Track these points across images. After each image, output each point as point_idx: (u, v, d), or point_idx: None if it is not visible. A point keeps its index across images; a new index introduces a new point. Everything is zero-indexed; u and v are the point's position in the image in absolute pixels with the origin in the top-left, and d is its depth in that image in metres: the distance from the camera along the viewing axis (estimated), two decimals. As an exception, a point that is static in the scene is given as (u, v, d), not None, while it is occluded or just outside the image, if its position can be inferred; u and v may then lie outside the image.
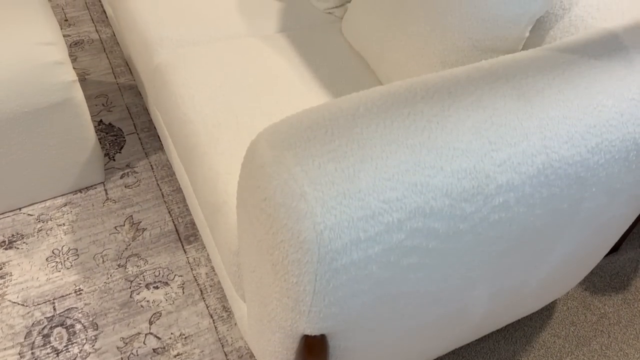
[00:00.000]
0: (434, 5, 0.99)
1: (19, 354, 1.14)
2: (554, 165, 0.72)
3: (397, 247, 0.65)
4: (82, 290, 1.25)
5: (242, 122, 1.08)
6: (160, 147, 1.61)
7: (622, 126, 0.76)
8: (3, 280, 1.26)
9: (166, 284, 1.28)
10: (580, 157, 0.74)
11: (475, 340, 1.22)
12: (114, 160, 1.56)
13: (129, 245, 1.35)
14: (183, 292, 1.26)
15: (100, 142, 1.60)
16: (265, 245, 0.66)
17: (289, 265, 0.63)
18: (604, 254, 1.11)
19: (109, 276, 1.28)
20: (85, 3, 2.17)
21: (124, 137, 1.62)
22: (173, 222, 1.41)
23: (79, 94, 1.28)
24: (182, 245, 1.36)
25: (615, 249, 1.41)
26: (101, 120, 1.68)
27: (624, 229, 1.01)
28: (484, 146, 0.68)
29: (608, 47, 0.82)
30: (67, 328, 1.19)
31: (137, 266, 1.30)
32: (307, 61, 1.26)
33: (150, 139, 1.63)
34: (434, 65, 1.03)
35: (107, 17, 2.12)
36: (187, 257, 1.33)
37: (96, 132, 1.63)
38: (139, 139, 1.63)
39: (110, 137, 1.62)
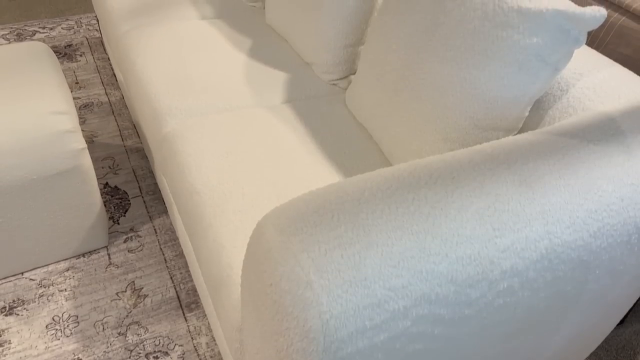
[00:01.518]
0: (435, 85, 1.03)
1: None
2: (557, 250, 0.73)
3: (402, 334, 0.65)
4: None
5: (248, 193, 1.09)
6: (164, 211, 1.62)
7: (622, 211, 0.77)
8: (2, 348, 1.24)
9: (166, 353, 1.26)
10: (582, 241, 0.75)
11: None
12: (118, 224, 1.57)
13: (130, 312, 1.34)
14: (183, 363, 1.24)
15: (105, 205, 1.62)
16: (270, 330, 0.66)
17: (294, 353, 0.63)
18: (610, 330, 1.10)
19: (109, 345, 1.27)
20: (96, 66, 2.24)
21: (129, 201, 1.64)
22: (175, 288, 1.40)
23: (87, 161, 1.31)
24: (183, 313, 1.35)
25: (620, 321, 1.39)
26: (107, 183, 1.70)
27: (629, 306, 1.01)
28: (488, 232, 0.69)
29: (606, 131, 0.84)
30: (63, 400, 1.16)
31: (138, 334, 1.29)
32: (312, 131, 1.29)
33: (155, 202, 1.65)
34: (436, 141, 1.06)
35: (116, 80, 2.19)
36: (188, 326, 1.32)
37: (102, 195, 1.65)
38: (144, 202, 1.64)
39: (116, 200, 1.64)
